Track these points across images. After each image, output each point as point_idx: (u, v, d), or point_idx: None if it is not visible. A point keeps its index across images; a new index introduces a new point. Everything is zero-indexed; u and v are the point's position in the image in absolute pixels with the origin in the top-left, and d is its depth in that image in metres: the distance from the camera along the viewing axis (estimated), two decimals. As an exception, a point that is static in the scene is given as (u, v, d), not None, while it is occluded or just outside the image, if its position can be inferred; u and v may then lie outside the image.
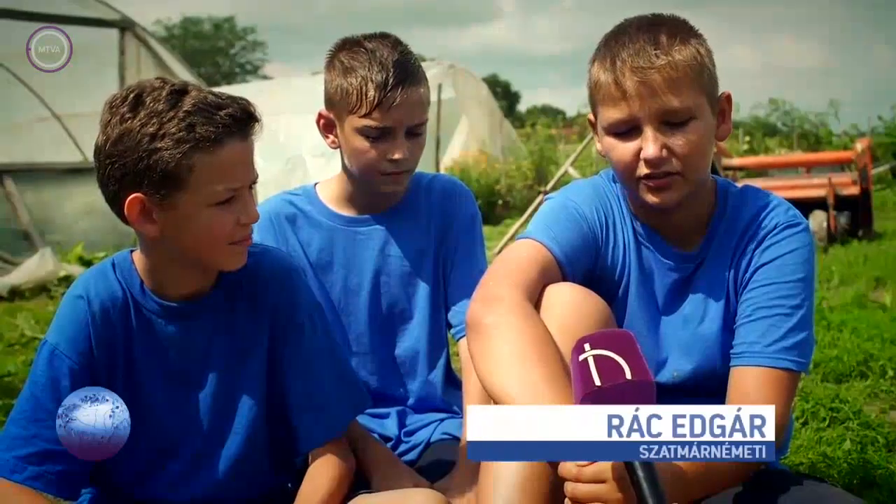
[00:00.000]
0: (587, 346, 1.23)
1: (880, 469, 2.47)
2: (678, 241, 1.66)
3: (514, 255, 1.61)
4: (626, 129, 1.56)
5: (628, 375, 1.19)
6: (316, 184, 2.07)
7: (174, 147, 1.42)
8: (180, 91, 1.46)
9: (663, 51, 1.53)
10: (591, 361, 1.21)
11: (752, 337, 1.55)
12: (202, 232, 1.49)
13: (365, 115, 1.84)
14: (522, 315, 1.46)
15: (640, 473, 1.18)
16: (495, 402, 1.41)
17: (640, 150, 1.55)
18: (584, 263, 1.65)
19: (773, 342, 1.53)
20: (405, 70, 1.85)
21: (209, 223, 1.48)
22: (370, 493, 1.62)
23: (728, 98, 1.63)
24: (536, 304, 1.54)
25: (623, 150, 1.57)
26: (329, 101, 1.92)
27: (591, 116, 1.68)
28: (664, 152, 1.53)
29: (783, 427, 1.49)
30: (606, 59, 1.57)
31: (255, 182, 1.54)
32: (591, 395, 1.19)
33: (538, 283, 1.56)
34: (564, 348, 1.44)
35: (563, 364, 1.40)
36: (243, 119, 1.48)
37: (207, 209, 1.48)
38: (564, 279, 1.60)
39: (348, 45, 1.90)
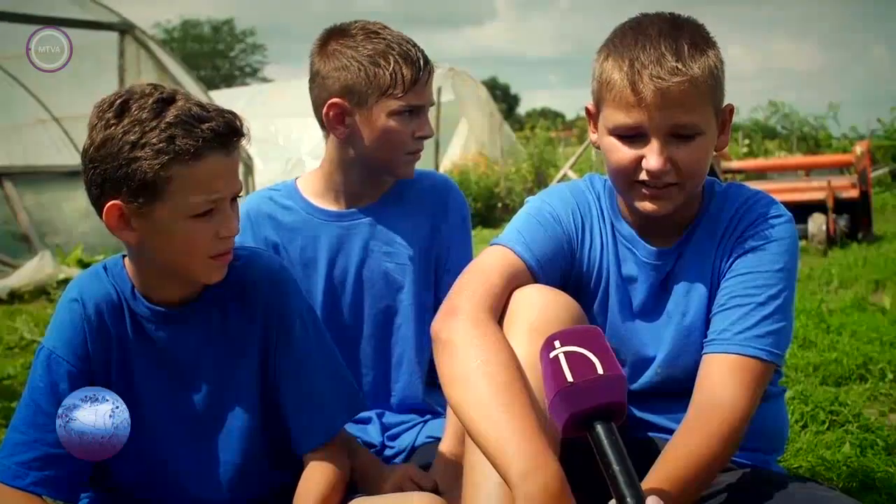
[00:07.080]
0: (557, 343, 1.24)
1: (880, 472, 2.47)
2: (659, 239, 1.65)
3: (481, 263, 1.61)
4: (631, 135, 1.53)
5: (600, 370, 1.20)
6: (297, 178, 2.05)
7: (153, 157, 1.42)
8: (167, 100, 1.46)
9: (684, 63, 1.48)
10: (561, 358, 1.21)
11: (723, 325, 1.54)
12: (179, 243, 1.49)
13: (400, 97, 1.86)
14: (478, 332, 1.46)
15: (602, 435, 1.18)
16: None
17: (642, 157, 1.52)
18: (559, 267, 1.64)
19: (744, 330, 1.52)
20: (423, 51, 1.91)
21: (187, 235, 1.48)
22: (364, 496, 1.62)
23: (731, 110, 1.61)
24: (504, 310, 1.53)
25: (624, 154, 1.54)
26: (346, 90, 1.87)
27: (590, 106, 1.63)
28: (667, 165, 1.51)
29: (747, 418, 1.46)
30: (623, 58, 1.51)
31: (237, 195, 1.53)
32: (563, 392, 1.19)
33: (503, 291, 1.55)
34: (536, 348, 1.45)
35: (514, 383, 1.40)
36: (226, 133, 1.47)
37: (184, 221, 1.47)
38: (537, 283, 1.59)
39: (348, 34, 1.89)
